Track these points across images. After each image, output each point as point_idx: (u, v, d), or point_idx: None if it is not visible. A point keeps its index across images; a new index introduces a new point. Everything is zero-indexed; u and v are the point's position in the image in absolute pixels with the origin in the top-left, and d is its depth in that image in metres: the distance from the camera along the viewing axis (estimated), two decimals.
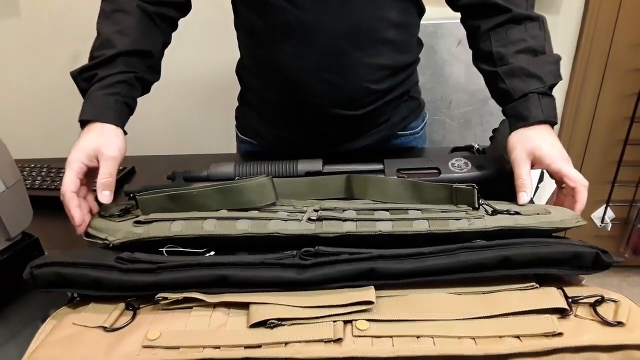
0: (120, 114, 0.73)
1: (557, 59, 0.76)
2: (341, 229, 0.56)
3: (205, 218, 0.58)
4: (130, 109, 0.76)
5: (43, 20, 1.64)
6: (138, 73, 0.77)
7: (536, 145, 0.68)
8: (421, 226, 0.57)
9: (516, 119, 0.72)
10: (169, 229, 0.57)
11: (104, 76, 0.74)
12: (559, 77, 0.75)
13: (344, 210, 0.60)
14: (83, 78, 0.75)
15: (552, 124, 0.72)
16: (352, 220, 0.58)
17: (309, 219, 0.58)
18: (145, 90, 0.81)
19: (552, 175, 0.70)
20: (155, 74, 0.84)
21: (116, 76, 0.74)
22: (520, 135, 0.71)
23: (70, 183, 0.65)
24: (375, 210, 0.60)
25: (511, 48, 0.75)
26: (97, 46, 0.77)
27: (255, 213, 0.59)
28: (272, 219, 0.58)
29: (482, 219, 0.58)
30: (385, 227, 0.57)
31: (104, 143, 0.68)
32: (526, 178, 0.68)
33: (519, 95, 0.73)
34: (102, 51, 0.76)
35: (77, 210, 0.64)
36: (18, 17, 1.65)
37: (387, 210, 0.60)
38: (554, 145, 0.69)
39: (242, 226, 0.57)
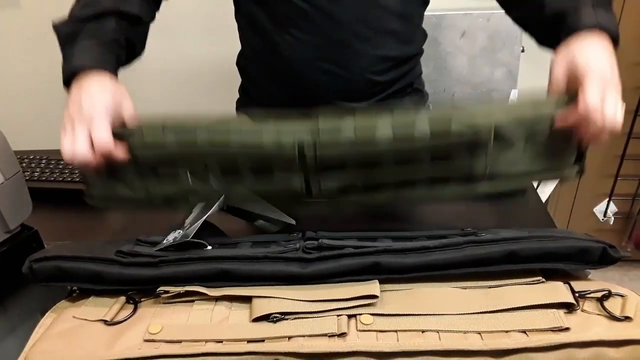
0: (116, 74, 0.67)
1: None
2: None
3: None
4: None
5: (43, 11, 1.63)
6: (128, 35, 0.71)
7: (576, 54, 0.56)
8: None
9: (565, 34, 0.60)
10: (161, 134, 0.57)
11: (95, 29, 0.67)
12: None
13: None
14: (70, 32, 0.68)
15: (612, 36, 0.59)
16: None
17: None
18: (129, 59, 0.74)
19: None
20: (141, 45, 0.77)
21: (110, 33, 0.68)
22: (562, 50, 0.59)
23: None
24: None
25: None
26: (81, 6, 0.70)
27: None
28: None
29: None
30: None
31: (124, 97, 0.63)
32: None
33: (570, 9, 0.61)
34: (90, 8, 0.69)
35: None
36: (18, 8, 1.64)
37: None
38: (599, 57, 0.56)
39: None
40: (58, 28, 0.70)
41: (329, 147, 0.57)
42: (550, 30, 0.65)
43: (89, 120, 0.58)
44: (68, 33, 0.68)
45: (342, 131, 0.57)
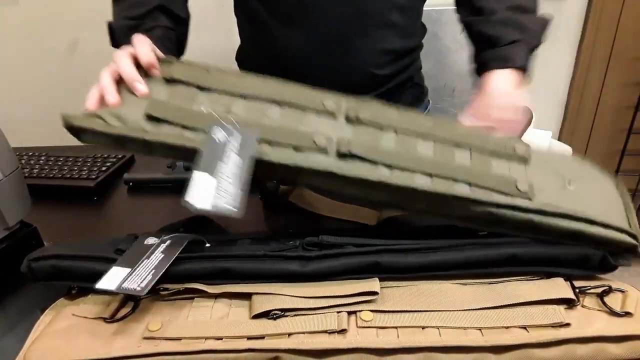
0: None
1: (544, 23, 0.76)
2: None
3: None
4: None
5: (41, 9, 1.63)
6: (177, 32, 0.74)
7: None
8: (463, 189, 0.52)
9: (498, 61, 0.72)
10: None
11: (151, 27, 0.70)
12: (543, 40, 0.75)
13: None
14: (126, 26, 0.71)
15: (525, 75, 0.72)
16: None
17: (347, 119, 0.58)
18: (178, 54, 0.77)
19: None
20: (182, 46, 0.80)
21: (162, 30, 0.71)
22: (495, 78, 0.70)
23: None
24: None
25: (503, 4, 0.75)
26: (128, 5, 0.74)
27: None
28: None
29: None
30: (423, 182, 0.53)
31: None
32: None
33: (507, 41, 0.72)
34: (141, 8, 0.73)
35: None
36: (16, 5, 1.64)
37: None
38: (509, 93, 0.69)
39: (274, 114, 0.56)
40: (113, 26, 0.72)
41: (369, 112, 0.58)
42: (480, 48, 0.76)
43: (129, 47, 0.60)
44: (124, 29, 0.71)
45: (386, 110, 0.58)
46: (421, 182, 0.52)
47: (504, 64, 0.71)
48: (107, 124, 0.53)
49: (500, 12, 0.75)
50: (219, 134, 0.52)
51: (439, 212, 0.53)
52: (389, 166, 0.53)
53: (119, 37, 0.72)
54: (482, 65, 0.74)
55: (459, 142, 0.56)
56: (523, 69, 0.71)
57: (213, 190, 0.49)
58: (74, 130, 0.54)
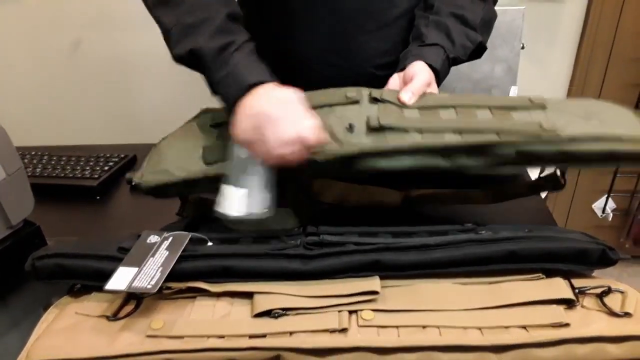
0: None
1: (476, 44, 0.78)
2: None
3: None
4: None
5: (44, 8, 1.63)
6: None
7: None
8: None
9: (412, 57, 0.73)
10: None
11: (241, 43, 0.64)
12: (467, 57, 0.78)
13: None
14: (216, 48, 0.62)
15: (437, 77, 0.73)
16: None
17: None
18: None
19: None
20: None
21: (250, 44, 0.65)
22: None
23: None
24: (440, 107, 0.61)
25: (449, 8, 0.78)
26: (186, 10, 0.64)
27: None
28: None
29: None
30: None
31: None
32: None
33: (430, 42, 0.75)
34: (205, 16, 0.64)
35: None
36: (19, 4, 1.64)
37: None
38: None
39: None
40: (203, 52, 0.63)
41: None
42: (413, 37, 0.79)
43: (300, 107, 0.58)
44: (214, 51, 0.63)
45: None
46: (452, 139, 0.57)
47: (416, 59, 0.72)
48: (174, 175, 0.61)
49: (442, 14, 0.77)
50: (241, 153, 0.58)
51: (472, 165, 0.58)
52: (420, 130, 0.58)
53: (211, 63, 0.62)
54: (402, 60, 0.76)
55: (477, 104, 0.61)
56: (434, 69, 0.71)
57: (245, 199, 0.55)
58: (154, 190, 0.62)
